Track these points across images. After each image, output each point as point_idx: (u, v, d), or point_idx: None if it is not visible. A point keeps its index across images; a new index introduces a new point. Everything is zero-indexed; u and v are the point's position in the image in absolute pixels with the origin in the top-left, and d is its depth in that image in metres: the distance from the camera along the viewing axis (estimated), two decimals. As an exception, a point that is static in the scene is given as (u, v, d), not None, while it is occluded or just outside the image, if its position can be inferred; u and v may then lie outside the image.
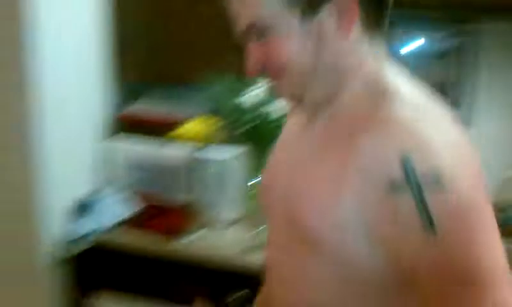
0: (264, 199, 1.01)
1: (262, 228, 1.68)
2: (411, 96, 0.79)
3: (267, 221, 0.99)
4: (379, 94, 0.79)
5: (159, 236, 1.72)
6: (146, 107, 1.99)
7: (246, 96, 1.72)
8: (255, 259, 1.62)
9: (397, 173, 0.70)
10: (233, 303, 1.58)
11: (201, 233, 1.81)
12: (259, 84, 1.72)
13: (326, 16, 0.78)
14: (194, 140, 1.83)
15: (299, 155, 0.90)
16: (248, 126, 1.74)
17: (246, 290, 1.52)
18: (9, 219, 1.74)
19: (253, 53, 0.84)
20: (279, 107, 1.69)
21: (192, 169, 1.86)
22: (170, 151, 1.88)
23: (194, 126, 1.84)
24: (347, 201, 0.75)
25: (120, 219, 1.79)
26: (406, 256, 0.72)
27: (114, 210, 1.81)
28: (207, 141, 1.83)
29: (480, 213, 0.72)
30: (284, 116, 1.44)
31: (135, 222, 1.79)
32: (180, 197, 1.88)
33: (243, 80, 1.74)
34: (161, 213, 1.83)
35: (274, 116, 1.71)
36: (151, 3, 1.95)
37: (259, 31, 0.81)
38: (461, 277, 0.70)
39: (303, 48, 0.80)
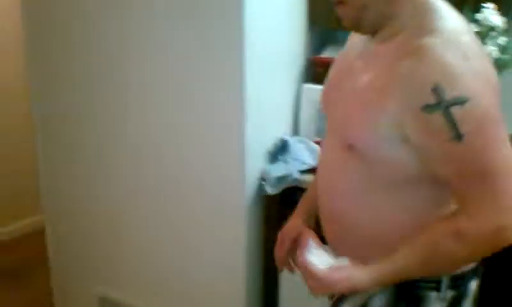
0: (323, 104, 1.24)
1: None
2: (448, 24, 0.98)
3: (326, 133, 1.21)
4: (422, 22, 0.98)
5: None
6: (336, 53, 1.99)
7: None
8: None
9: (430, 97, 0.92)
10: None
11: None
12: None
13: None
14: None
15: (355, 69, 1.10)
16: None
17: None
18: (220, 156, 1.90)
19: None
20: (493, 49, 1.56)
21: None
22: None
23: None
24: (387, 119, 0.98)
25: (308, 166, 1.85)
26: (435, 157, 0.98)
27: (304, 156, 1.90)
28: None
29: (496, 125, 0.96)
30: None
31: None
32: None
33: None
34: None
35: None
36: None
37: None
38: (480, 167, 0.95)
39: None
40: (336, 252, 1.12)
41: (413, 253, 1.01)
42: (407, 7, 1.01)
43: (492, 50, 1.55)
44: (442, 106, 0.92)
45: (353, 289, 1.04)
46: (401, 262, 1.02)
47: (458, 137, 0.93)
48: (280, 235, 1.36)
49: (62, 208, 2.38)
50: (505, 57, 1.58)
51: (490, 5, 1.61)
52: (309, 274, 1.05)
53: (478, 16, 1.60)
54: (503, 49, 1.57)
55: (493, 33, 1.57)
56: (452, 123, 0.92)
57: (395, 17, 1.02)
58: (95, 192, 2.24)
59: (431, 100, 0.92)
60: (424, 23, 0.98)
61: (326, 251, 1.12)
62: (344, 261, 1.06)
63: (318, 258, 1.08)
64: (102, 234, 2.31)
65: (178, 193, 2.01)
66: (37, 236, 2.83)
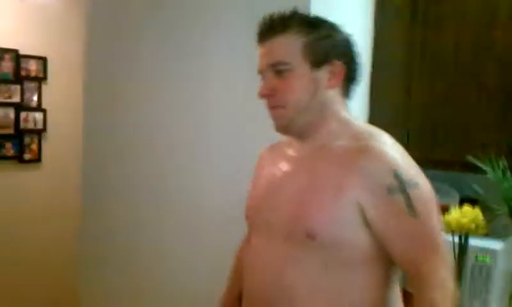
0: (252, 215, 1.33)
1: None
2: (374, 133, 1.21)
3: (253, 231, 1.32)
4: (354, 132, 1.21)
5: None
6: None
7: None
8: None
9: (392, 181, 1.12)
10: None
11: None
12: None
13: (324, 72, 1.21)
14: (457, 229, 1.74)
15: (296, 174, 1.25)
16: None
17: None
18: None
19: (270, 82, 1.22)
20: None
21: (456, 261, 1.76)
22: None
23: (458, 215, 1.73)
24: (347, 204, 1.14)
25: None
26: (392, 236, 1.14)
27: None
28: (469, 231, 1.72)
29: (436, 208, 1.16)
30: None
31: None
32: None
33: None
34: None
35: None
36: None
37: (282, 67, 1.20)
38: (430, 243, 1.13)
39: (306, 88, 1.21)
40: None
41: None
42: (333, 122, 1.23)
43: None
44: (401, 188, 1.12)
45: None
46: None
47: (414, 214, 1.12)
48: None
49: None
50: None
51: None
52: None
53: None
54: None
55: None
56: (409, 202, 1.11)
57: (321, 128, 1.23)
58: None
59: (393, 183, 1.11)
60: (356, 133, 1.21)
61: None
62: None
63: None
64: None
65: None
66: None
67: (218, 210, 1.96)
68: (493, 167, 1.65)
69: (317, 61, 1.20)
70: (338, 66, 1.22)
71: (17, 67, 3.15)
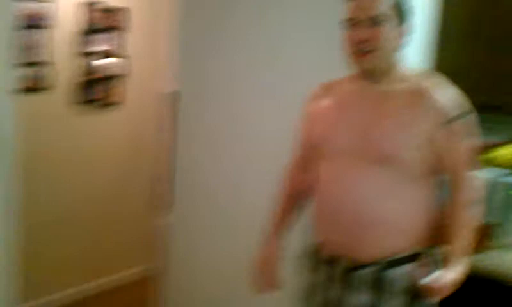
0: (325, 143, 1.66)
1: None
2: (430, 77, 1.64)
3: (328, 156, 1.65)
4: (415, 76, 1.62)
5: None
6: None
7: None
8: None
9: (450, 115, 1.54)
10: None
11: (492, 253, 2.03)
12: None
13: (403, 28, 1.57)
14: (504, 165, 2.05)
15: (367, 107, 1.60)
16: None
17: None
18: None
19: (365, 33, 1.53)
20: None
21: (495, 192, 2.08)
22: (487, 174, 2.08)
23: (508, 151, 2.05)
24: (417, 130, 1.52)
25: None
26: (445, 154, 1.55)
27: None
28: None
29: None
30: None
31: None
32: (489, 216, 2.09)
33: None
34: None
35: None
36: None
37: (378, 20, 1.52)
38: (467, 158, 1.58)
39: (393, 39, 1.56)
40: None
41: (464, 234, 1.57)
42: (400, 69, 1.62)
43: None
44: (456, 120, 1.54)
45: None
46: (464, 245, 1.57)
47: (464, 138, 1.56)
48: (263, 261, 1.80)
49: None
50: None
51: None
52: (439, 291, 1.50)
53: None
54: None
55: None
56: (461, 129, 1.55)
57: (392, 73, 1.60)
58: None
59: (451, 116, 1.54)
60: (417, 77, 1.62)
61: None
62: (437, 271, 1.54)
63: (431, 277, 1.50)
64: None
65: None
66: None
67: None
68: None
69: (401, 19, 1.57)
70: (409, 25, 1.59)
71: (105, 18, 3.52)
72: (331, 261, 1.65)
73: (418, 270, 1.57)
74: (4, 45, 2.13)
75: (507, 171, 2.06)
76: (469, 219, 1.59)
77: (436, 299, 1.54)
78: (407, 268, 1.58)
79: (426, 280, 1.52)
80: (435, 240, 1.63)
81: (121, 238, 3.79)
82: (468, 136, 1.58)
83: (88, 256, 3.59)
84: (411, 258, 1.59)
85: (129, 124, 3.76)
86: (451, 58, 2.26)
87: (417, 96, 1.56)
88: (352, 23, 1.57)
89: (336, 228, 1.62)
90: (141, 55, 3.75)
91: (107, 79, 3.58)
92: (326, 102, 1.72)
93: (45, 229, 3.26)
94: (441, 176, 1.61)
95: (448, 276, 1.53)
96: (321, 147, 1.68)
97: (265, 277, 1.82)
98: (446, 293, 1.53)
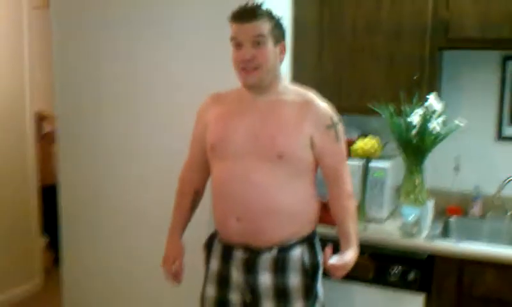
0: (223, 144, 1.85)
1: (410, 219, 2.32)
2: (306, 91, 1.91)
3: (225, 155, 1.85)
4: (294, 89, 1.90)
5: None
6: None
7: (411, 117, 2.26)
8: (410, 242, 2.29)
9: (329, 122, 1.85)
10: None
11: (365, 225, 2.45)
12: (419, 109, 2.26)
13: (278, 48, 1.83)
14: (362, 155, 2.47)
15: (257, 113, 1.84)
16: (410, 142, 2.29)
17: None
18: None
19: (249, 53, 1.77)
20: (435, 126, 2.23)
21: (361, 177, 2.49)
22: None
23: (362, 144, 2.46)
24: (304, 133, 1.80)
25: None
26: (327, 153, 1.86)
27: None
28: (370, 155, 2.46)
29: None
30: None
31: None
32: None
33: (399, 108, 2.34)
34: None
35: (432, 132, 2.24)
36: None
37: (261, 39, 1.76)
38: (344, 158, 1.91)
39: (272, 57, 1.80)
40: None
41: (353, 221, 1.90)
42: (280, 83, 1.88)
43: (435, 126, 2.26)
44: (333, 126, 1.85)
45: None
46: (355, 229, 1.89)
47: (339, 140, 1.87)
48: (169, 256, 2.01)
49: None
50: (443, 131, 2.29)
51: (432, 94, 2.32)
52: (343, 269, 1.77)
53: (425, 103, 2.31)
54: (442, 125, 2.28)
55: (435, 114, 2.28)
56: (337, 134, 1.86)
57: (274, 86, 1.86)
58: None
59: (329, 123, 1.85)
60: (296, 90, 1.89)
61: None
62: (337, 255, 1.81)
63: (333, 258, 1.76)
64: (118, 274, 2.75)
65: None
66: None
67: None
68: (385, 111, 2.36)
69: (276, 39, 1.82)
70: (284, 44, 1.87)
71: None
72: (233, 248, 1.87)
73: (313, 252, 1.88)
74: None
75: (364, 159, 2.46)
76: (353, 206, 1.93)
77: (341, 276, 1.80)
78: (301, 249, 1.86)
79: (332, 260, 1.76)
80: (320, 223, 1.97)
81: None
82: (343, 138, 1.90)
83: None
84: (304, 240, 1.88)
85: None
86: (305, 74, 2.66)
87: (304, 105, 1.84)
88: (237, 42, 1.79)
89: (236, 219, 1.82)
90: (4, 73, 3.63)
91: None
92: (218, 110, 1.93)
93: None
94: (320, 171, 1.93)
95: (349, 256, 1.82)
96: (217, 148, 1.88)
97: (172, 271, 2.02)
98: (348, 270, 1.81)
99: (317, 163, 1.89)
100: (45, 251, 4.47)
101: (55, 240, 3.65)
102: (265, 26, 1.77)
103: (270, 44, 1.79)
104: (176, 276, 2.03)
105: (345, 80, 2.69)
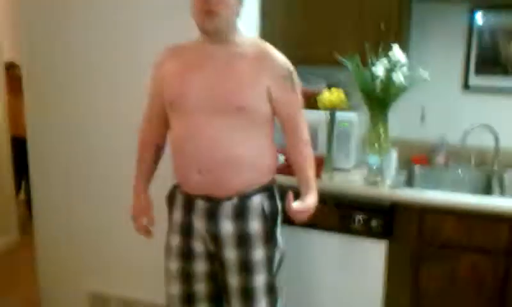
0: (182, 99, 1.84)
1: (373, 171, 2.37)
2: (262, 41, 1.94)
3: (184, 110, 1.84)
4: (251, 41, 1.91)
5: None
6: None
7: (376, 68, 2.27)
8: (373, 191, 2.36)
9: (285, 73, 1.87)
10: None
11: (331, 175, 2.51)
12: (384, 60, 2.27)
13: (239, 1, 1.83)
14: (329, 106, 2.49)
15: (215, 66, 1.83)
16: (374, 92, 2.30)
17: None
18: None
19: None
20: (398, 77, 2.25)
21: (327, 128, 2.52)
22: (312, 115, 2.50)
23: (328, 96, 2.48)
24: (262, 85, 1.82)
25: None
26: (284, 103, 1.88)
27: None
28: (336, 106, 2.48)
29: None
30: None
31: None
32: (319, 149, 2.56)
33: (365, 59, 2.35)
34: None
35: (396, 83, 2.26)
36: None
37: None
38: (300, 107, 1.95)
39: (234, 8, 1.81)
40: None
41: (311, 167, 1.96)
42: (238, 35, 1.88)
43: (399, 77, 2.28)
44: (289, 76, 1.88)
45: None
46: (314, 175, 1.96)
47: (294, 90, 1.90)
48: (138, 211, 2.06)
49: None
50: (407, 82, 2.31)
51: (396, 45, 2.33)
52: (306, 212, 1.86)
53: (389, 53, 2.32)
54: (405, 77, 2.30)
55: (399, 65, 2.29)
56: (292, 84, 1.89)
57: (232, 37, 1.86)
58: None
59: (286, 74, 1.87)
60: (252, 42, 1.91)
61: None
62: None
63: (296, 203, 1.83)
64: (90, 230, 2.80)
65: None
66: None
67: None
68: (351, 62, 2.36)
69: None
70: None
71: None
72: (195, 199, 1.91)
73: (272, 200, 1.93)
74: None
75: (331, 110, 2.49)
76: (310, 152, 1.97)
77: (304, 219, 1.89)
78: (261, 197, 1.90)
79: (295, 205, 1.84)
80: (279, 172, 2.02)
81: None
82: (298, 88, 1.92)
83: None
84: (264, 189, 1.92)
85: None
86: (273, 25, 2.66)
87: (260, 57, 1.85)
88: None
89: (197, 172, 1.85)
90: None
91: None
92: (174, 63, 1.91)
93: None
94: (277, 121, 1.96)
95: (311, 200, 1.90)
96: (175, 104, 1.87)
97: (143, 226, 2.06)
98: (311, 213, 1.89)
99: (274, 113, 1.91)
100: (23, 206, 4.48)
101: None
102: None
103: None
104: (147, 230, 2.06)
105: (313, 31, 2.67)
